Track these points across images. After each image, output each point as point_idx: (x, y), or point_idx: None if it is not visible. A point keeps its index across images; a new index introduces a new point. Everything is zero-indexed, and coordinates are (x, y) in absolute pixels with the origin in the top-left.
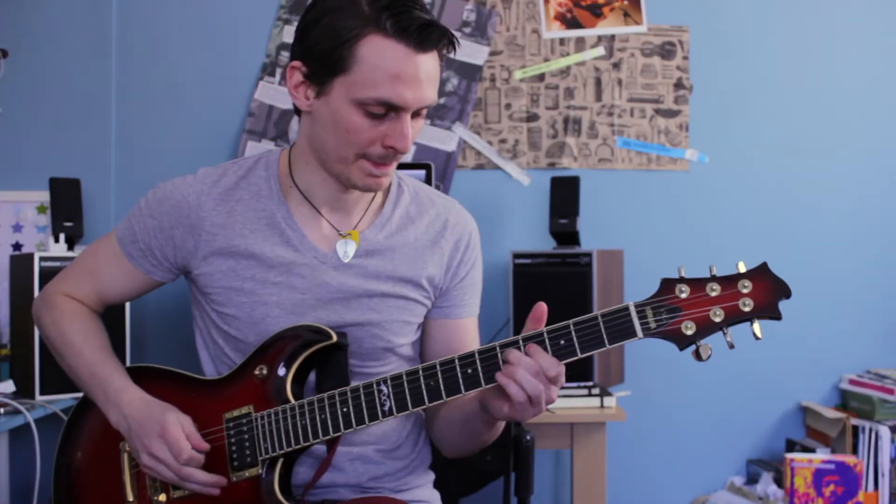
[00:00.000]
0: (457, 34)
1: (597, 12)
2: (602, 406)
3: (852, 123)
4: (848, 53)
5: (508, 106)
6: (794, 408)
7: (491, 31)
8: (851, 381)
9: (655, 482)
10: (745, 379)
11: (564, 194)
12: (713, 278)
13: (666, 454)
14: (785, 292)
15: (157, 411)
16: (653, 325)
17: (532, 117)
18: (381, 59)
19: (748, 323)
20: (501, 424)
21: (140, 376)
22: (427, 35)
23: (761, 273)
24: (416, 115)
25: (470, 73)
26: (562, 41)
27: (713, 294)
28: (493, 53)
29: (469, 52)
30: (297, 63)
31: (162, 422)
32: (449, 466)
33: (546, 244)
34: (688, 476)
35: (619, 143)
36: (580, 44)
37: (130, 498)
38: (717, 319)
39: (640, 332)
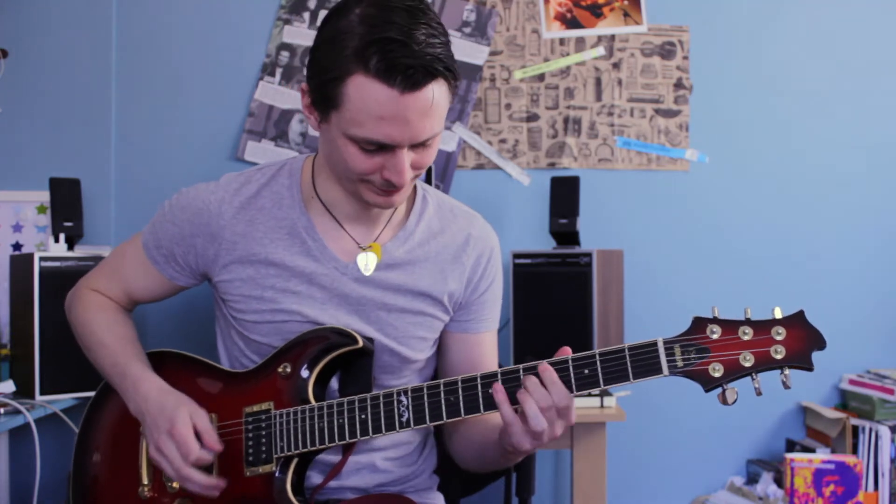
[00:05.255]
0: (457, 34)
1: (597, 12)
2: (602, 406)
3: (853, 123)
4: (848, 52)
5: (508, 106)
6: (794, 408)
7: (491, 31)
8: (851, 381)
9: (655, 482)
10: (744, 378)
11: (564, 194)
12: (747, 321)
13: (666, 454)
14: (819, 343)
15: (170, 405)
16: (680, 364)
17: (532, 117)
18: (365, 100)
19: (778, 370)
20: (517, 457)
21: (164, 361)
22: (412, 77)
23: (797, 321)
24: (421, 145)
25: (470, 73)
26: (562, 41)
27: (745, 338)
28: (493, 53)
29: (469, 52)
30: (304, 87)
31: (172, 418)
32: (450, 467)
33: (546, 244)
34: (688, 476)
35: (619, 143)
36: (580, 44)
37: (145, 481)
38: (747, 364)
39: (665, 370)
